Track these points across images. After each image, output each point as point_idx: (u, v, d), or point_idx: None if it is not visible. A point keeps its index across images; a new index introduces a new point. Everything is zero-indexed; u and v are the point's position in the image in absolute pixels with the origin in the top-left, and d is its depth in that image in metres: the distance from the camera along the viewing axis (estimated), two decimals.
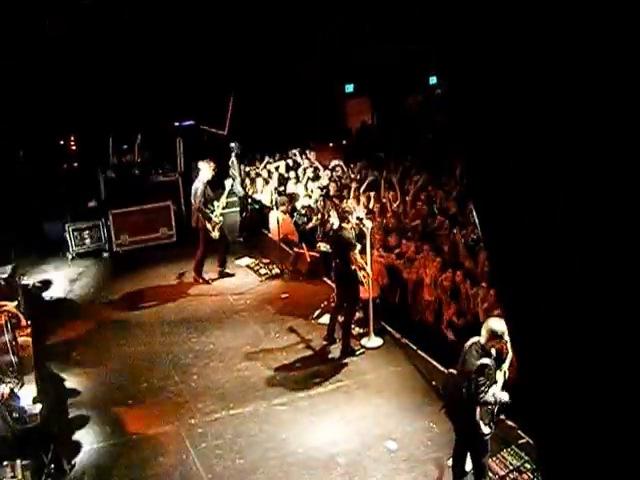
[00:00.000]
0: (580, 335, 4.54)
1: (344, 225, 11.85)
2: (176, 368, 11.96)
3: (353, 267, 11.82)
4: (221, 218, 15.20)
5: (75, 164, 21.27)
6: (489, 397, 7.84)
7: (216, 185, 15.68)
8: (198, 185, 14.97)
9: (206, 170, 14.98)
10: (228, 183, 15.45)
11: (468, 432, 8.19)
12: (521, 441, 9.13)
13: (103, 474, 9.47)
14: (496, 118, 4.75)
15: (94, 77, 19.46)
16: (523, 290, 4.94)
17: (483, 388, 7.79)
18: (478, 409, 7.92)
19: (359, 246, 11.86)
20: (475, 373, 7.81)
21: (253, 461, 9.47)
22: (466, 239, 12.89)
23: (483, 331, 7.99)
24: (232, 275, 15.72)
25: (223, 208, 15.42)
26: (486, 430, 8.02)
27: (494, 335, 7.87)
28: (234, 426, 10.25)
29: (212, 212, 14.98)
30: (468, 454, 8.45)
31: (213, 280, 15.53)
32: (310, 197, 17.52)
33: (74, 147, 21.90)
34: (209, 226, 14.95)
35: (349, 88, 23.48)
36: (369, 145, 21.33)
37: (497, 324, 7.90)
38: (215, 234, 15.05)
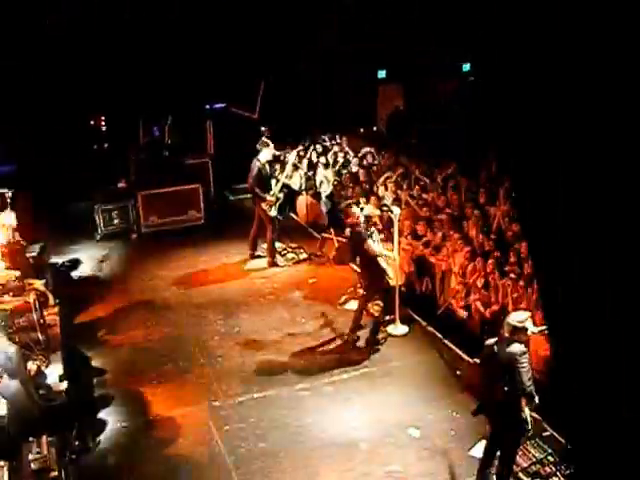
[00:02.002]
0: (615, 328, 4.52)
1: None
2: (201, 350, 12.03)
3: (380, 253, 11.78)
4: (280, 195, 15.09)
5: (105, 145, 21.36)
6: (533, 388, 7.77)
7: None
8: (255, 165, 14.97)
9: (265, 151, 14.98)
10: (290, 158, 15.26)
11: (510, 426, 8.10)
12: (545, 433, 9.09)
13: (126, 452, 9.58)
14: (529, 117, 4.72)
15: (126, 57, 19.48)
16: (557, 275, 4.94)
17: (529, 375, 7.73)
18: (523, 401, 7.85)
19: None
20: (517, 362, 7.72)
21: (275, 445, 9.51)
22: (495, 229, 12.85)
23: (505, 325, 7.95)
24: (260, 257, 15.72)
25: (283, 186, 15.24)
26: (529, 424, 7.99)
27: (516, 328, 7.82)
28: (258, 409, 10.30)
29: (269, 191, 14.95)
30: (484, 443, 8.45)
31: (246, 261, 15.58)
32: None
33: (104, 127, 21.96)
34: (265, 206, 14.92)
35: (381, 74, 23.31)
36: (401, 132, 21.21)
37: (518, 316, 7.90)
38: (272, 213, 14.97)
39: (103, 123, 21.87)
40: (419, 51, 21.50)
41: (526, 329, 7.82)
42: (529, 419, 7.95)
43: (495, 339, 8.13)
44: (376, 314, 12.15)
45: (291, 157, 15.22)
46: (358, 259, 12.24)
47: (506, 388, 7.83)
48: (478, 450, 8.94)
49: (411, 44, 21.25)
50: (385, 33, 20.96)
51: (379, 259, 11.73)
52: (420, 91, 23.31)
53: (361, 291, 12.59)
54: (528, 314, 8.13)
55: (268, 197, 14.80)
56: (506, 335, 7.89)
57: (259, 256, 15.65)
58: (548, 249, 5.10)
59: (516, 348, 7.78)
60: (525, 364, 7.74)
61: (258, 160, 14.85)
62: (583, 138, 4.36)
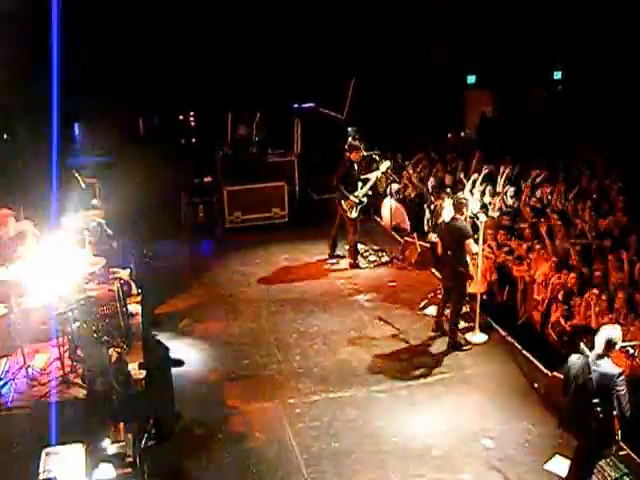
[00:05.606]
0: None
1: (457, 216, 11.70)
2: (279, 347, 12.12)
3: (467, 258, 11.70)
4: (364, 199, 15.10)
5: (193, 139, 21.66)
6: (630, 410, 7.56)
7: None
8: (344, 164, 15.07)
9: (356, 152, 15.04)
10: (384, 166, 15.31)
11: (599, 439, 7.84)
12: (621, 453, 8.86)
13: (200, 443, 9.71)
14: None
15: (217, 55, 19.75)
16: None
17: (627, 398, 7.47)
18: (616, 421, 7.59)
19: (474, 235, 11.73)
20: (615, 384, 7.44)
21: (348, 445, 9.53)
22: (580, 242, 12.64)
23: (599, 341, 7.65)
24: (342, 257, 15.76)
25: (369, 190, 15.24)
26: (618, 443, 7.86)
27: (610, 343, 7.59)
28: (332, 409, 10.33)
29: (352, 192, 14.96)
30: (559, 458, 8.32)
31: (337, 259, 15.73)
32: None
33: (193, 123, 22.30)
34: (344, 204, 14.96)
35: (471, 79, 23.11)
36: (488, 138, 21.01)
37: (612, 331, 7.67)
38: (352, 214, 15.00)
39: (192, 118, 22.22)
40: (511, 57, 21.36)
41: (616, 346, 7.60)
42: (619, 439, 7.78)
43: (581, 355, 7.86)
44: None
45: (383, 166, 15.23)
46: (445, 259, 12.16)
47: (599, 409, 7.52)
48: (553, 464, 8.83)
49: (503, 49, 21.14)
50: (477, 38, 20.91)
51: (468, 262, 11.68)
52: (511, 97, 23.02)
53: (440, 295, 12.57)
54: (620, 328, 7.90)
55: (351, 197, 14.83)
56: (598, 351, 7.61)
57: (339, 256, 15.71)
58: None
59: (612, 369, 7.51)
60: (624, 387, 7.45)
61: (349, 160, 14.91)
62: None
